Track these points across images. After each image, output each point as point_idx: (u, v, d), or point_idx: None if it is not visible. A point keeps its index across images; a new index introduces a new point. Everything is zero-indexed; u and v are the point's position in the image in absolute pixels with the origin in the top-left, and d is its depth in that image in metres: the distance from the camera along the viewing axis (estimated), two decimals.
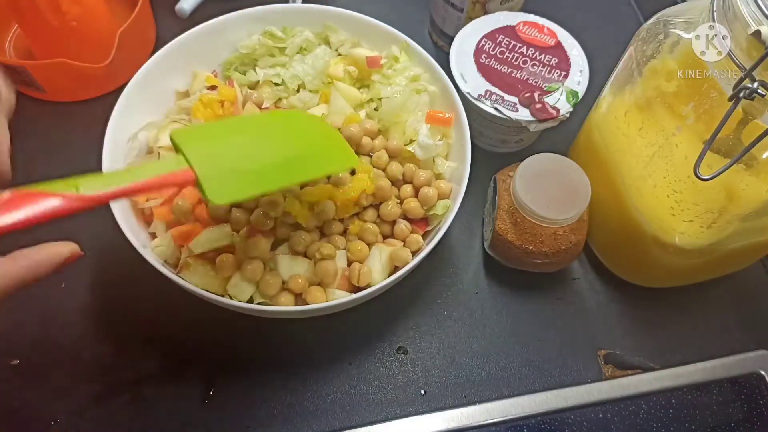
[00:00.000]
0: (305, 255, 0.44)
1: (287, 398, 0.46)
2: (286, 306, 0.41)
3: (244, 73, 0.52)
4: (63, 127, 0.56)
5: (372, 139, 0.48)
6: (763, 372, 0.48)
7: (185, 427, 0.45)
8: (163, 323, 0.47)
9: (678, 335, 0.51)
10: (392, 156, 0.48)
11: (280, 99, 0.51)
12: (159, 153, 0.46)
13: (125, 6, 0.61)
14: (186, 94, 0.50)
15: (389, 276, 0.43)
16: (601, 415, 0.46)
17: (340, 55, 0.53)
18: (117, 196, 0.32)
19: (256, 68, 0.52)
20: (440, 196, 0.47)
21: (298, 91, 0.51)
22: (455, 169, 0.48)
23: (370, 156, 0.48)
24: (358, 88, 0.52)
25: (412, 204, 0.46)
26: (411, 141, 0.49)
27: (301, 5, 0.53)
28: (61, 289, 0.49)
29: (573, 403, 0.46)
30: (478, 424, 0.45)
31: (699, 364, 0.48)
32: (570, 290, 0.52)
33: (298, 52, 0.52)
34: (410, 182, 0.48)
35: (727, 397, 0.47)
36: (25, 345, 0.47)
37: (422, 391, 0.47)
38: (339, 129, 0.46)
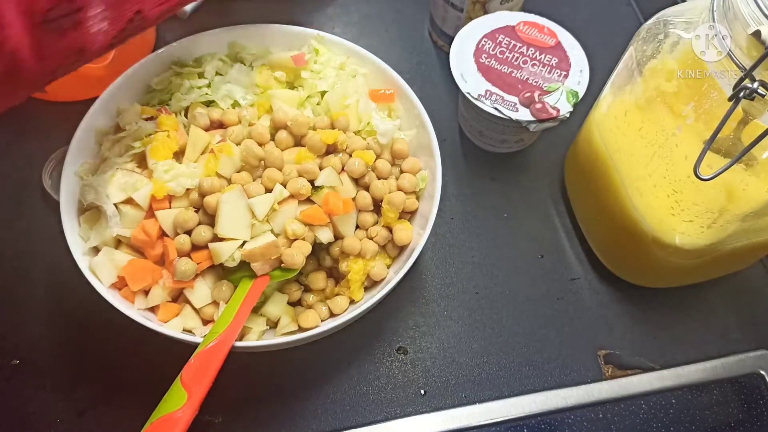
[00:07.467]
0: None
1: (286, 398, 0.46)
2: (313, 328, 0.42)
3: (168, 104, 0.49)
4: (63, 127, 0.56)
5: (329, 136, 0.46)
6: (763, 372, 0.48)
7: None
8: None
9: (678, 335, 0.51)
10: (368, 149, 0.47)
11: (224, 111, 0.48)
12: (118, 209, 0.42)
13: None
14: (105, 133, 0.48)
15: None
16: (601, 415, 0.46)
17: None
18: (231, 335, 0.38)
19: (181, 95, 0.49)
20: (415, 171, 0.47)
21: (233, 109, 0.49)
22: (414, 135, 0.49)
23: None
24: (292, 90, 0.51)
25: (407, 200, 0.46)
26: (368, 124, 0.48)
27: (202, 33, 0.51)
28: (61, 290, 0.49)
29: (573, 403, 0.46)
30: (478, 424, 0.45)
31: (699, 364, 0.49)
32: (570, 290, 0.52)
33: (216, 75, 0.51)
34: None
35: (727, 397, 0.47)
36: (25, 345, 0.47)
37: (422, 391, 0.47)
38: (301, 138, 0.45)
